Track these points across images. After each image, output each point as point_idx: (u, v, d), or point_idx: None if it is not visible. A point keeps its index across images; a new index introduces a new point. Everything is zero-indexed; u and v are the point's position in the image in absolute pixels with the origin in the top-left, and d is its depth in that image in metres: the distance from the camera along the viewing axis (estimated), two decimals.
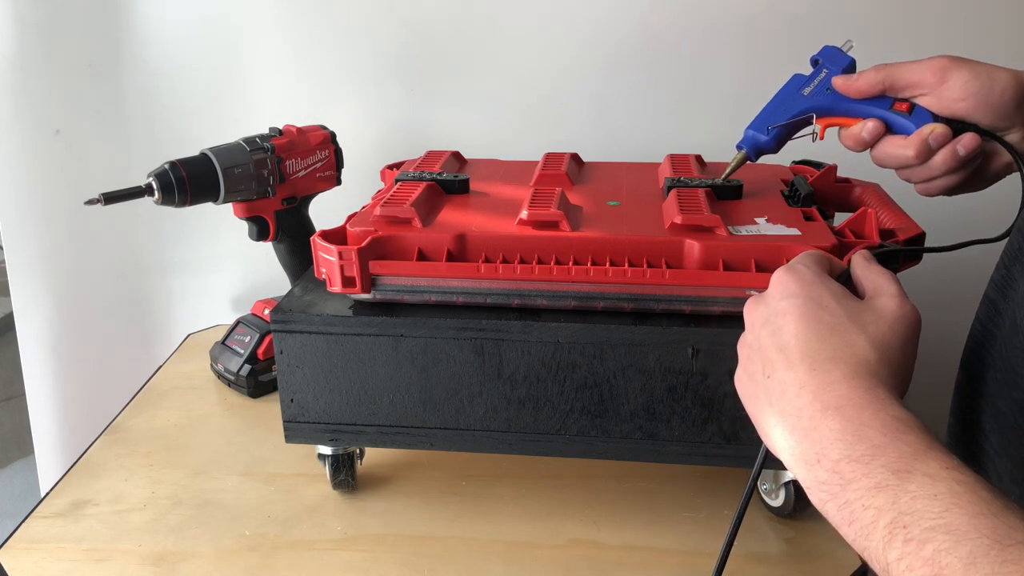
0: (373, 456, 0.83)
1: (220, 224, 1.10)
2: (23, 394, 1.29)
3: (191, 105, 1.14)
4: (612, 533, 0.74)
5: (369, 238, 0.66)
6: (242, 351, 0.99)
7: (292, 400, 0.71)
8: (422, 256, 0.67)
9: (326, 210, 0.96)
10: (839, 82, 0.67)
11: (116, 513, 0.78)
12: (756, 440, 0.67)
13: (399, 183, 0.77)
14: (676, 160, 0.86)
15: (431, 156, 0.89)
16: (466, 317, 0.67)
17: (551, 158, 0.87)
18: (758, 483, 0.77)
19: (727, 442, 0.68)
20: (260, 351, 0.98)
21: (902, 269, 0.66)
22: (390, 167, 0.89)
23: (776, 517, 0.76)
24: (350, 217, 0.72)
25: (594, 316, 0.66)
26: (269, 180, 0.91)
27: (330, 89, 1.14)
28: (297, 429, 0.72)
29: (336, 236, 0.69)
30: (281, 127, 0.94)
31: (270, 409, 0.95)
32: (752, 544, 0.73)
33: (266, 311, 1.02)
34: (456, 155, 0.91)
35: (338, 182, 1.00)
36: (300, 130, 0.95)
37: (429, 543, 0.73)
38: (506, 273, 0.66)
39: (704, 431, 0.67)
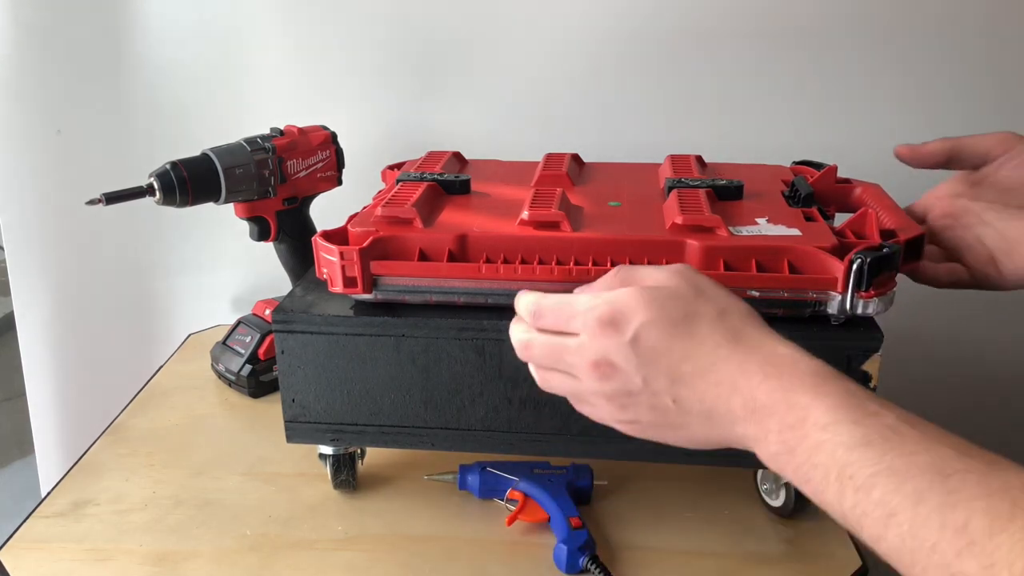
0: (374, 456, 0.83)
1: (221, 224, 1.10)
2: (23, 394, 1.28)
3: (192, 105, 1.14)
4: (612, 533, 0.74)
5: (370, 238, 0.67)
6: (243, 351, 0.99)
7: (293, 400, 0.71)
8: (423, 256, 0.67)
9: (327, 210, 0.96)
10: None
11: (117, 513, 0.78)
12: None
13: (400, 183, 0.77)
14: (676, 160, 0.86)
15: (432, 156, 0.89)
16: (467, 317, 0.67)
17: (552, 158, 0.87)
18: (759, 484, 0.78)
19: None
20: (261, 351, 0.98)
21: (903, 269, 0.66)
22: (391, 167, 0.89)
23: (776, 517, 0.76)
24: (351, 217, 0.72)
25: None
26: (270, 180, 0.91)
27: (331, 89, 1.14)
28: (298, 429, 0.72)
29: (338, 236, 0.69)
30: (282, 127, 0.94)
31: (271, 409, 0.95)
32: (752, 544, 0.73)
33: (267, 311, 1.02)
34: (457, 155, 0.91)
35: (339, 182, 1.00)
36: (301, 130, 0.95)
37: (430, 543, 0.73)
38: (507, 273, 0.66)
39: None
